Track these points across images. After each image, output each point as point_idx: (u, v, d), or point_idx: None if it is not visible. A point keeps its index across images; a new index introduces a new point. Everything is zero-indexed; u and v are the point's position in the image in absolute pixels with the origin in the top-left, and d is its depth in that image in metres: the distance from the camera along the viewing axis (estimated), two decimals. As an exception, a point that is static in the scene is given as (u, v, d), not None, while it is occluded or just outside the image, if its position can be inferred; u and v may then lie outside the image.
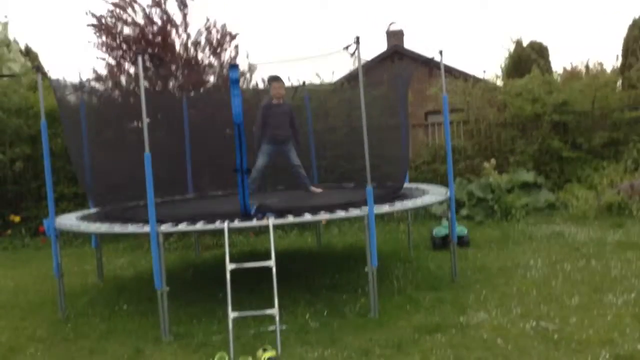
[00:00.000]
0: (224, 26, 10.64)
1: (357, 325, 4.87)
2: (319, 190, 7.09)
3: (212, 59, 10.48)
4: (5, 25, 14.12)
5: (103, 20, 10.23)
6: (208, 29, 10.56)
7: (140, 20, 10.28)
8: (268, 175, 7.43)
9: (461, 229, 7.90)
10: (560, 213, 10.07)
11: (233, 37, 10.66)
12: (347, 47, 5.33)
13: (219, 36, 10.59)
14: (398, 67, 16.25)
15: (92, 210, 7.06)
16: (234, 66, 5.18)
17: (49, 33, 34.42)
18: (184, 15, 10.45)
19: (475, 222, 9.87)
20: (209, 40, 10.50)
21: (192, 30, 10.69)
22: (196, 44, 10.46)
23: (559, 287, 5.65)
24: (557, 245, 7.68)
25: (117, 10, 10.24)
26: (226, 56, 10.66)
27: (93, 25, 10.24)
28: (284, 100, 6.91)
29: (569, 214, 9.86)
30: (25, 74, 12.68)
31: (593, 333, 4.32)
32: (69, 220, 6.29)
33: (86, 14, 10.27)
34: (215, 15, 14.76)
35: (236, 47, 10.73)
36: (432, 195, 6.50)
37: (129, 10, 10.27)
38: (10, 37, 14.39)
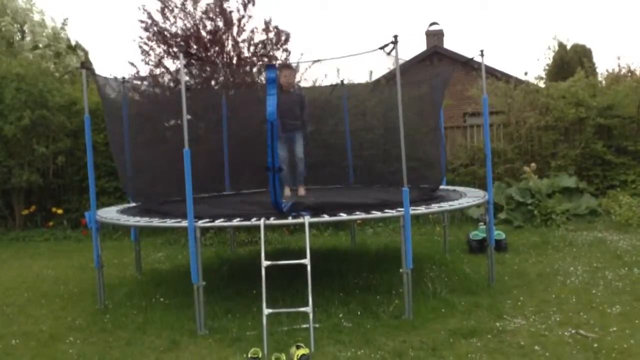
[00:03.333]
0: (276, 28, 10.71)
1: (390, 326, 4.84)
2: (303, 192, 6.71)
3: (262, 59, 10.55)
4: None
5: (154, 16, 10.42)
6: (267, 28, 10.64)
7: (197, 14, 10.47)
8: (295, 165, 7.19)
9: (499, 233, 7.76)
10: (603, 220, 9.82)
11: (287, 39, 10.72)
12: (384, 47, 5.31)
13: (272, 35, 10.67)
14: (437, 68, 16.08)
15: (132, 204, 7.21)
16: (270, 66, 5.23)
17: (99, 29, 35.30)
18: (241, 17, 10.57)
19: (513, 226, 9.70)
20: (262, 42, 10.58)
21: (249, 28, 10.78)
22: (249, 42, 10.55)
23: (599, 295, 5.50)
24: (598, 253, 7.48)
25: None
26: (280, 56, 10.74)
27: (142, 21, 10.44)
28: (295, 88, 6.65)
29: (612, 221, 9.60)
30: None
31: (635, 343, 4.19)
32: (110, 214, 6.44)
33: (139, 9, 10.51)
34: (269, 15, 14.83)
35: (286, 48, 10.77)
36: (470, 198, 6.42)
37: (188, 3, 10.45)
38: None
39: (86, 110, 6.02)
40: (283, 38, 10.68)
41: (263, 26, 10.70)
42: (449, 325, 4.78)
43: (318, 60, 7.91)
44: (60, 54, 13.81)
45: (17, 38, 14.03)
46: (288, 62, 6.96)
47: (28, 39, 14.16)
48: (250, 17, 10.68)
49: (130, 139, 6.98)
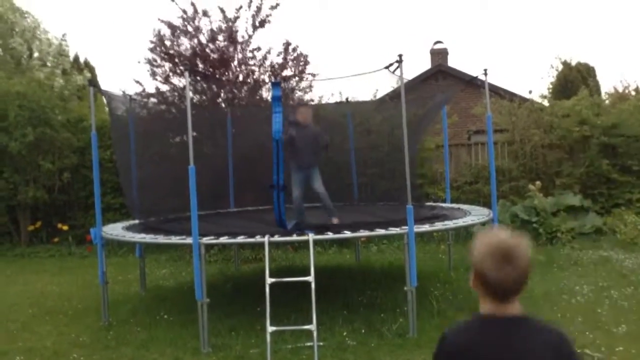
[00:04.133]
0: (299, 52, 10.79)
1: (394, 345, 4.82)
2: (336, 221, 6.34)
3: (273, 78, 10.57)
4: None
5: (165, 35, 10.51)
6: (286, 50, 10.72)
7: (204, 35, 10.56)
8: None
9: (504, 251, 7.71)
10: (608, 238, 9.77)
11: (305, 63, 10.79)
12: (389, 66, 5.36)
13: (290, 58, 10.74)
14: (442, 87, 16.16)
15: (137, 221, 7.23)
16: (276, 83, 5.28)
17: (107, 46, 35.66)
18: (249, 36, 10.66)
19: (518, 244, 9.65)
20: (283, 63, 10.65)
21: (263, 49, 10.86)
22: (261, 62, 10.63)
23: (605, 315, 5.47)
24: (603, 272, 7.44)
25: (184, 21, 10.53)
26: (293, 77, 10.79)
27: (153, 42, 10.51)
28: (310, 123, 6.44)
29: (617, 240, 9.55)
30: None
31: (641, 363, 4.16)
32: (115, 230, 6.47)
33: (154, 31, 10.57)
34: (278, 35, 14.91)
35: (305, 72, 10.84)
36: (474, 216, 6.42)
37: (197, 21, 10.52)
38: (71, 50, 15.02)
39: (93, 127, 6.08)
40: (302, 62, 10.72)
41: (280, 49, 10.78)
42: (453, 344, 4.75)
43: (324, 79, 8.00)
44: (66, 70, 13.96)
45: (25, 56, 14.19)
46: (305, 101, 7.09)
47: (35, 55, 14.33)
48: (269, 49, 10.76)
49: (136, 156, 7.03)
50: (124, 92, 7.38)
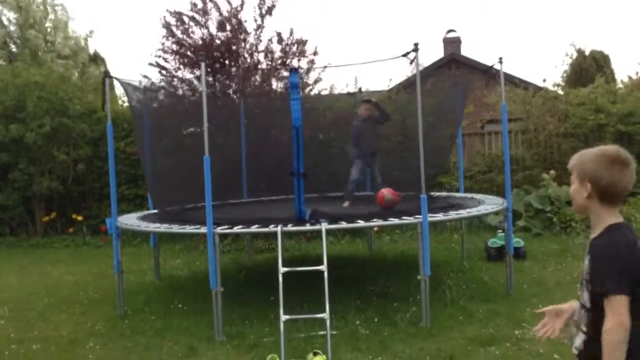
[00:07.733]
0: (300, 40, 10.77)
1: (408, 334, 4.82)
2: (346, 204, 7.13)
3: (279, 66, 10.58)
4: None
5: (175, 22, 10.50)
6: (280, 39, 10.70)
7: (212, 25, 10.57)
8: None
9: (517, 241, 7.68)
10: (623, 227, 9.68)
11: (315, 52, 10.80)
12: (406, 54, 5.33)
13: (292, 45, 10.72)
14: (456, 76, 16.03)
15: (152, 210, 7.28)
16: (294, 70, 5.26)
17: (117, 38, 35.80)
18: (258, 26, 10.64)
19: (532, 234, 9.62)
20: (283, 50, 10.64)
21: (265, 37, 10.85)
22: (267, 52, 10.61)
23: (620, 304, 5.42)
24: (619, 261, 7.37)
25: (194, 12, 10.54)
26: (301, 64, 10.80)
27: (166, 26, 10.49)
28: (372, 114, 7.29)
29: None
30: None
31: (657, 353, 4.13)
32: (130, 220, 6.51)
33: (167, 10, 10.59)
34: (289, 24, 14.94)
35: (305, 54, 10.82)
36: (488, 205, 6.39)
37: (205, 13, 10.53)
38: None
39: (109, 118, 6.11)
40: (307, 50, 10.71)
41: (277, 37, 10.74)
42: (467, 333, 4.75)
43: (335, 66, 8.07)
44: (84, 64, 14.08)
45: (42, 49, 14.31)
46: (369, 98, 7.80)
47: (54, 48, 14.44)
48: (263, 27, 10.74)
49: (152, 146, 7.06)
50: (139, 82, 7.41)
